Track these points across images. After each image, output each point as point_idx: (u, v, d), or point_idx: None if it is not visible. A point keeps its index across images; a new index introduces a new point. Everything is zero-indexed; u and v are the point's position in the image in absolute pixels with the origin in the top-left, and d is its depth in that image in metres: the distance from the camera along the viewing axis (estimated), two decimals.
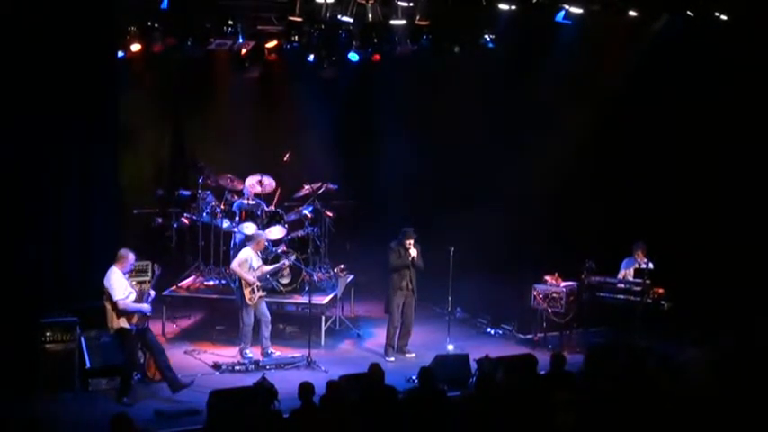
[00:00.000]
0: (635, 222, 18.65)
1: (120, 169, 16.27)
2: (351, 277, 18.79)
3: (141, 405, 13.71)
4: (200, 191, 18.60)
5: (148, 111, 19.69)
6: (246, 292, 16.02)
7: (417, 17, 18.13)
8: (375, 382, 12.04)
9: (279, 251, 17.66)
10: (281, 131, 20.59)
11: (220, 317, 17.52)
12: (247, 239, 17.36)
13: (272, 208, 18.55)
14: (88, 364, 14.54)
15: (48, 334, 14.27)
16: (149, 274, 16.34)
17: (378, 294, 17.81)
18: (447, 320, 17.27)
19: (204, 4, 17.04)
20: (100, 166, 15.46)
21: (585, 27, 18.43)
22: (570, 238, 18.66)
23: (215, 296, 17.86)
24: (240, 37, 17.58)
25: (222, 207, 18.49)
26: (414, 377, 13.80)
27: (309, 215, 18.76)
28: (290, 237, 18.32)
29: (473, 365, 14.79)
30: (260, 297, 16.19)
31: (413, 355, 16.67)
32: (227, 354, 16.29)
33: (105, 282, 13.98)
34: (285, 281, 17.73)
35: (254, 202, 18.47)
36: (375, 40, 18.21)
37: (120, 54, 16.62)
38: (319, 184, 19.18)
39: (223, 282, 17.89)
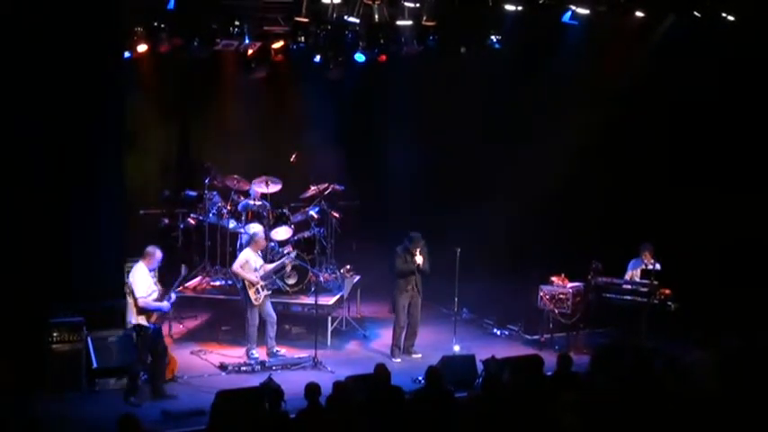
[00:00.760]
0: (642, 223, 18.63)
1: (126, 170, 16.26)
2: (357, 278, 18.76)
3: (148, 405, 13.74)
4: (206, 191, 18.62)
5: (155, 111, 19.70)
6: (251, 292, 16.03)
7: (424, 18, 18.10)
8: (381, 383, 12.03)
9: (285, 252, 17.65)
10: (288, 132, 20.59)
11: (226, 317, 17.53)
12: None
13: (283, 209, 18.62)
14: (95, 364, 14.57)
15: (55, 334, 14.31)
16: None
17: (384, 295, 17.81)
18: (453, 321, 17.27)
19: (210, 4, 17.02)
20: (106, 167, 15.45)
21: (592, 28, 18.42)
22: (577, 239, 18.64)
23: (221, 297, 17.88)
24: (246, 37, 17.57)
25: (228, 208, 18.51)
26: (420, 378, 13.80)
27: (316, 216, 18.76)
28: (296, 237, 18.32)
29: (479, 366, 14.79)
30: (265, 297, 16.19)
31: (419, 355, 16.67)
32: (234, 354, 16.31)
33: (130, 277, 14.15)
34: (291, 281, 17.74)
35: (260, 203, 18.47)
36: (381, 41, 18.21)
37: (126, 54, 16.60)
38: (326, 185, 19.18)
39: (229, 282, 17.89)
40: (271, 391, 11.86)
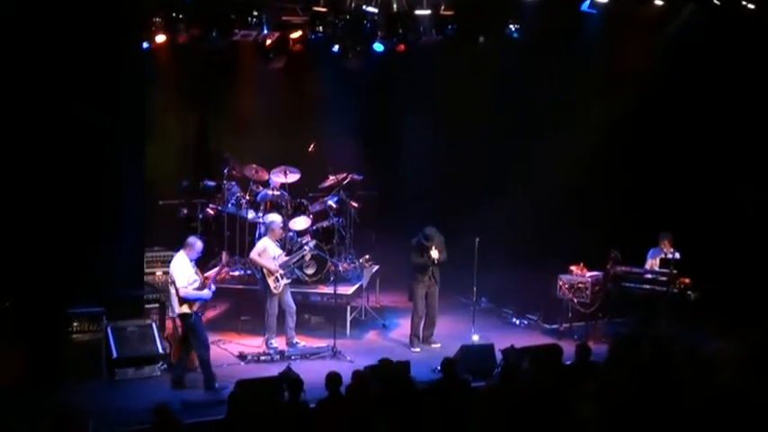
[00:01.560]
0: (661, 212, 18.57)
1: (145, 160, 16.31)
2: (376, 268, 18.80)
3: (168, 394, 13.77)
4: (225, 181, 18.69)
5: (173, 101, 19.70)
6: (270, 281, 16.07)
7: (442, 7, 18.10)
8: (390, 375, 12.07)
9: (303, 241, 17.69)
10: (306, 122, 20.59)
11: (246, 307, 17.57)
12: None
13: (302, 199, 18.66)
14: (115, 354, 14.64)
15: (75, 324, 14.42)
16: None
17: (403, 285, 17.81)
18: (472, 311, 17.29)
19: None
20: (126, 158, 15.47)
21: (611, 16, 18.35)
22: (596, 228, 18.58)
23: (240, 286, 17.93)
24: (265, 27, 17.58)
25: (247, 198, 18.55)
26: (438, 368, 13.82)
27: (334, 206, 18.79)
28: (314, 227, 18.35)
29: (498, 356, 14.80)
30: (285, 286, 16.23)
31: (438, 345, 16.70)
32: (253, 344, 16.37)
33: (171, 267, 14.28)
34: (310, 271, 17.79)
35: (278, 193, 18.50)
36: (400, 31, 18.18)
37: (145, 45, 16.65)
38: (344, 175, 19.22)
39: (248, 272, 17.93)
40: (290, 380, 11.89)
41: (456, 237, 16.93)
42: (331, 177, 19.13)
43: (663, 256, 17.25)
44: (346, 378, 11.48)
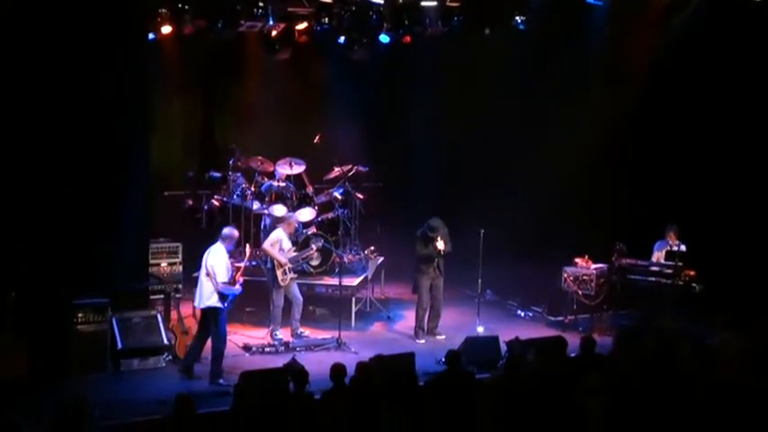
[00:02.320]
0: (668, 204, 18.55)
1: (150, 151, 16.31)
2: (381, 259, 18.81)
3: (174, 385, 13.77)
4: (230, 173, 18.66)
5: (179, 93, 19.73)
6: (279, 273, 16.09)
7: None
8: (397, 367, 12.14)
9: (309, 233, 17.69)
10: (312, 113, 20.56)
11: (250, 298, 17.53)
12: (276, 221, 17.46)
13: (310, 190, 18.61)
14: (120, 345, 14.65)
15: (80, 315, 14.42)
16: (179, 255, 16.55)
17: (408, 277, 17.79)
18: (477, 303, 17.28)
19: None
20: (131, 149, 15.47)
21: (616, 8, 18.33)
22: (601, 221, 18.58)
23: (245, 278, 17.88)
24: (270, 19, 17.56)
25: (253, 189, 18.54)
26: (443, 359, 13.82)
27: (340, 197, 18.77)
28: (320, 219, 18.36)
29: (503, 348, 14.79)
30: (291, 279, 16.25)
31: (443, 337, 16.68)
32: (257, 335, 16.39)
33: (210, 260, 14.21)
34: (315, 263, 17.81)
35: (284, 184, 18.49)
36: (406, 22, 18.18)
37: (150, 36, 16.66)
38: (349, 167, 19.18)
39: (253, 263, 17.92)
40: (295, 371, 11.90)
41: (461, 229, 16.92)
42: (336, 169, 19.11)
43: (669, 248, 17.23)
44: (352, 369, 11.48)
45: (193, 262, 15.80)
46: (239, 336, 16.34)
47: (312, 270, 17.76)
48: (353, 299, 17.53)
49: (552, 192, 19.13)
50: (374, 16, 18.08)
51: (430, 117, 20.71)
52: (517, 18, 18.72)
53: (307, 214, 18.14)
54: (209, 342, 14.43)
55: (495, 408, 11.27)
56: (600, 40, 18.83)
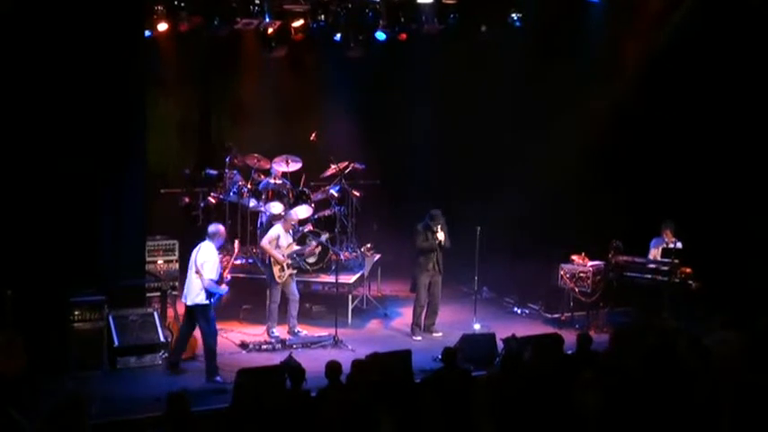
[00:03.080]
0: (664, 201, 18.55)
1: (147, 149, 16.29)
2: (378, 256, 18.82)
3: (169, 383, 13.75)
4: (227, 170, 18.66)
5: (175, 90, 19.73)
6: (276, 269, 16.11)
7: None
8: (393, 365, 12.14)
9: (305, 230, 17.70)
10: (308, 111, 20.58)
11: (247, 296, 17.56)
12: (274, 218, 17.46)
13: (302, 188, 18.63)
14: (116, 343, 14.64)
15: (76, 313, 14.36)
16: (176, 253, 16.53)
17: (405, 274, 17.83)
18: (474, 300, 17.31)
19: None
20: (128, 146, 15.41)
21: (614, 5, 18.33)
22: (597, 218, 18.57)
23: (242, 275, 17.90)
24: (266, 16, 17.59)
25: (249, 186, 18.54)
26: (440, 357, 13.83)
27: (336, 194, 18.78)
28: (316, 216, 18.36)
29: (500, 345, 14.79)
30: (289, 275, 16.26)
31: (440, 334, 16.69)
32: (254, 332, 16.37)
33: (200, 257, 14.19)
34: (312, 260, 17.80)
35: (280, 182, 18.49)
36: (402, 19, 18.22)
37: (147, 33, 16.64)
38: (346, 164, 19.19)
39: (250, 261, 17.94)
40: (292, 369, 11.89)
41: (458, 226, 16.93)
42: (333, 166, 19.11)
43: (665, 245, 17.24)
44: (348, 367, 11.48)
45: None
46: (236, 333, 16.34)
47: (309, 267, 17.76)
48: (350, 296, 17.56)
49: (548, 189, 19.10)
50: (370, 13, 18.13)
51: (426, 114, 20.69)
52: (513, 15, 18.75)
53: (303, 211, 18.14)
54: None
55: (491, 405, 11.27)
56: (597, 38, 18.82)
